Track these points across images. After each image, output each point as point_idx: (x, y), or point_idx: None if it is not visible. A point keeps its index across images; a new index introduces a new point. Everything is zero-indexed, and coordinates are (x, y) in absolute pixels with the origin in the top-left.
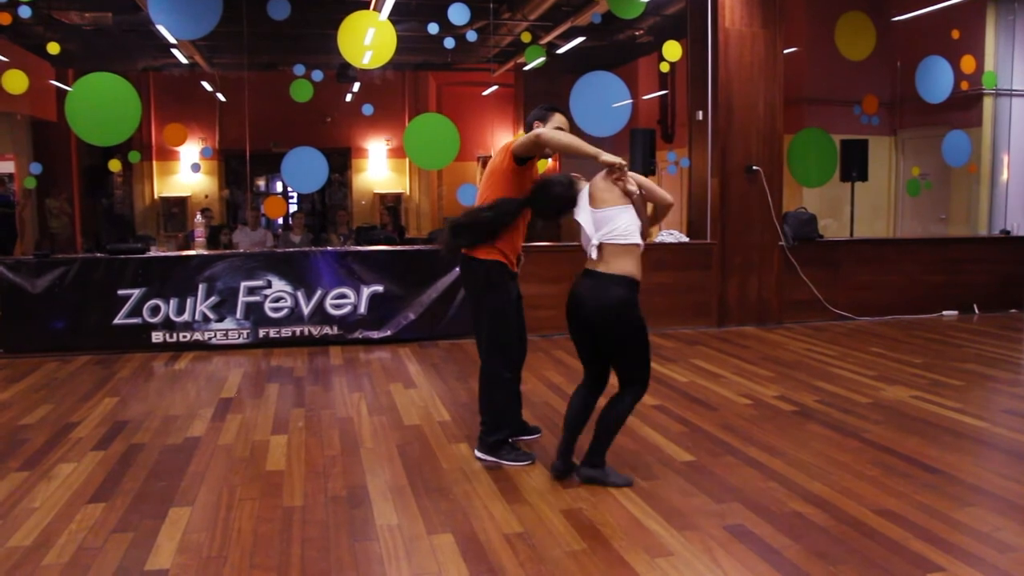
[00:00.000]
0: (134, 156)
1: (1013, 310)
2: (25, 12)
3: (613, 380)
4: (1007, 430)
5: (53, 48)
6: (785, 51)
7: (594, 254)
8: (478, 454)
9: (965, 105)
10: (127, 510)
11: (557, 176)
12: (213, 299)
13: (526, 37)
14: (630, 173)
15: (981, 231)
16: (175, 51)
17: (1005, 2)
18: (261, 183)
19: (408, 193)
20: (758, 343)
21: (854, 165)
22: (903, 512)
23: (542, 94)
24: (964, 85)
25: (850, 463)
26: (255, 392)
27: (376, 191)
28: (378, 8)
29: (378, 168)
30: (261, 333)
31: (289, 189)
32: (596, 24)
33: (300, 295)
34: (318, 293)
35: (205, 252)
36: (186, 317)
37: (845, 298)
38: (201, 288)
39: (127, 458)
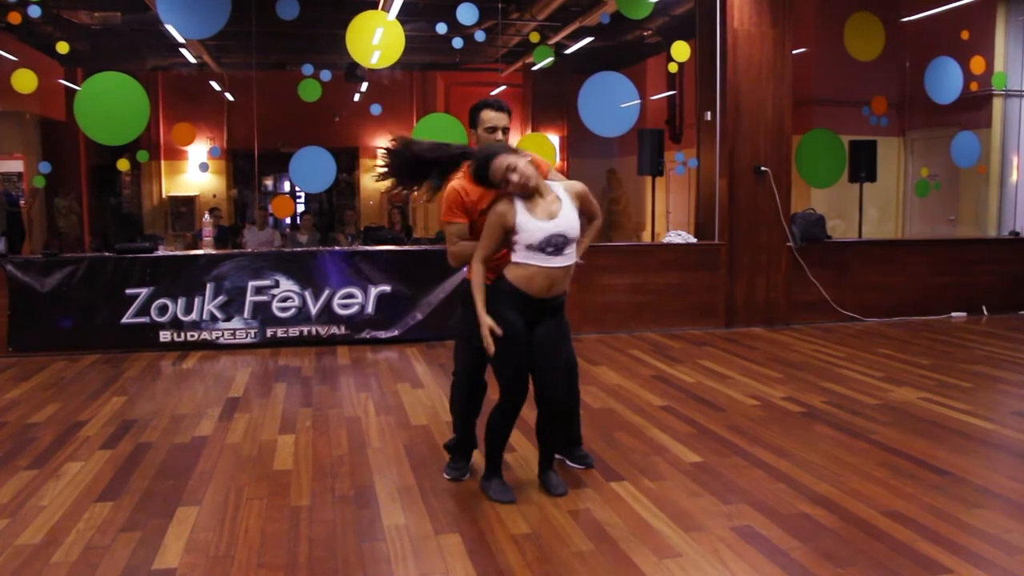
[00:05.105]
0: (142, 155)
1: (1022, 312)
2: (35, 12)
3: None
4: (1016, 432)
5: (62, 47)
6: (794, 51)
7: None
8: None
9: (974, 106)
10: (135, 509)
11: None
12: (221, 298)
13: (534, 37)
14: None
15: (990, 232)
16: (184, 51)
17: (1015, 2)
18: (269, 183)
19: (416, 193)
20: (766, 344)
21: (862, 166)
22: (911, 514)
23: (550, 94)
24: (973, 86)
25: (858, 464)
26: (263, 391)
27: (384, 191)
28: (386, 8)
29: None
30: (268, 333)
31: (297, 189)
32: (604, 24)
33: (308, 295)
34: (325, 293)
35: (213, 251)
36: (194, 316)
37: (853, 299)
38: (209, 287)
39: (135, 457)
